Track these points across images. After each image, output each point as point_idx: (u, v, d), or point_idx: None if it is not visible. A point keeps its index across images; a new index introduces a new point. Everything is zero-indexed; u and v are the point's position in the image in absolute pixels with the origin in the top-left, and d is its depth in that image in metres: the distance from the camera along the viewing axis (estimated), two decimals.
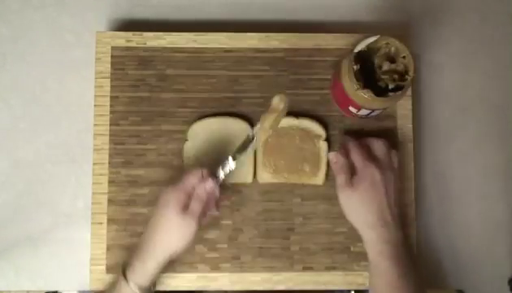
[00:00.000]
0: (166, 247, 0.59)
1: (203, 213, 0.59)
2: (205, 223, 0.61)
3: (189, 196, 0.59)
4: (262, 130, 0.60)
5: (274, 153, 0.67)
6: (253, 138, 0.61)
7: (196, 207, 0.58)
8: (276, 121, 0.60)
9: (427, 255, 0.71)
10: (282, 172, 0.67)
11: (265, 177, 0.68)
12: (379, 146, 0.62)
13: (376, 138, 0.63)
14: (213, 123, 0.68)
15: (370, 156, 0.61)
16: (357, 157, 0.61)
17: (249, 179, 0.68)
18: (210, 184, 0.59)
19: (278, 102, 0.60)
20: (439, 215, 0.72)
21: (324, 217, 0.68)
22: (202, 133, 0.68)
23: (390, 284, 0.58)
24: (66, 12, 0.74)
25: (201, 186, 0.59)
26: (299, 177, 0.68)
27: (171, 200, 0.58)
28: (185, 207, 0.58)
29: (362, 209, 0.60)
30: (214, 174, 0.60)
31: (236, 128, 0.68)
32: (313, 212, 0.68)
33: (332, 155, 0.63)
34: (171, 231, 0.58)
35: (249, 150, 0.61)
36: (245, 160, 0.66)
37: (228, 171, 0.61)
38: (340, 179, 0.61)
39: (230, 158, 0.61)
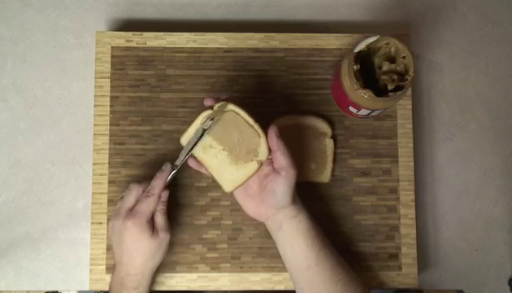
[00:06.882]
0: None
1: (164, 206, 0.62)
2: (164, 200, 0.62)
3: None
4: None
5: None
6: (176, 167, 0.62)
7: (162, 219, 0.61)
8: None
9: (427, 255, 0.71)
10: None
11: None
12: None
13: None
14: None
15: None
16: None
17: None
18: (165, 194, 0.61)
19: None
20: (439, 215, 0.72)
21: (325, 217, 0.68)
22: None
23: (315, 228, 0.62)
24: (66, 12, 0.74)
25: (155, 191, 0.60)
26: (305, 175, 0.67)
27: (136, 229, 0.59)
28: (151, 224, 0.60)
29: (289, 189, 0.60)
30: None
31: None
32: (313, 212, 0.68)
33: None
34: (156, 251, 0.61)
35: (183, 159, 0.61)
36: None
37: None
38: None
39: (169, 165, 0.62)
